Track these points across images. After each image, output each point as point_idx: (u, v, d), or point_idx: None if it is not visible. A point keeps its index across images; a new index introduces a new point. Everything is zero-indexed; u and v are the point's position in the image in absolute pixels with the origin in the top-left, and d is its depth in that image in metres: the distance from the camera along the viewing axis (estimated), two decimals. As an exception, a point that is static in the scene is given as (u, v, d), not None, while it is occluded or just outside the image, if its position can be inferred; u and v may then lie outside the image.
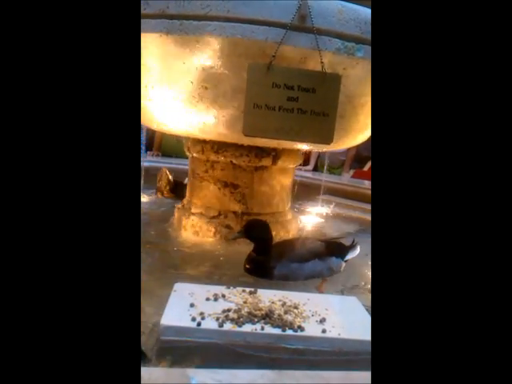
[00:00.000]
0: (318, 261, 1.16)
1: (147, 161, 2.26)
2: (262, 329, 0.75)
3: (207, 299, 0.85)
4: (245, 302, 0.84)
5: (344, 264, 1.21)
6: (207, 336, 0.73)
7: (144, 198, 1.93)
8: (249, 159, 1.34)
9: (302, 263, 1.13)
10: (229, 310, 0.80)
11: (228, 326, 0.75)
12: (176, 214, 1.50)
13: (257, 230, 1.15)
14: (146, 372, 0.49)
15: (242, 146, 1.31)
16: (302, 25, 0.97)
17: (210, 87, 1.06)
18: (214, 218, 1.39)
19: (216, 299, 0.85)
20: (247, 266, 1.13)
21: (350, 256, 1.22)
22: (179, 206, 1.52)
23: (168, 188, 1.96)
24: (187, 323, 0.75)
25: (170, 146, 2.90)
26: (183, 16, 0.96)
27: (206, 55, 1.00)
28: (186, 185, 1.99)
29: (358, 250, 1.24)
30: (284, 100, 0.97)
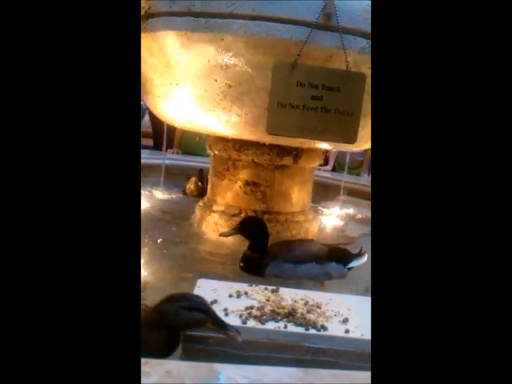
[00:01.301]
0: (315, 264, 1.13)
1: (168, 158, 2.27)
2: (285, 327, 0.75)
3: (230, 296, 0.85)
4: (267, 300, 0.84)
5: (346, 271, 1.16)
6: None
7: (165, 196, 1.95)
8: (270, 158, 1.34)
9: (296, 264, 1.11)
10: (252, 308, 0.80)
11: (251, 323, 0.75)
12: (197, 212, 1.51)
13: (252, 228, 1.14)
14: (174, 366, 0.49)
15: (263, 145, 1.31)
16: (327, 23, 0.97)
17: (233, 85, 1.06)
18: (234, 216, 1.39)
19: (239, 296, 0.85)
20: (241, 264, 1.12)
21: (354, 264, 1.18)
22: (200, 203, 1.53)
23: (196, 193, 1.99)
24: (211, 319, 0.75)
25: (190, 144, 2.91)
26: (209, 14, 0.96)
27: (231, 53, 1.00)
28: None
29: (365, 259, 1.19)
30: (308, 99, 0.97)
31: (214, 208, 1.44)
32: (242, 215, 1.39)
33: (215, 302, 0.81)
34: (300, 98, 0.96)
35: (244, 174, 1.39)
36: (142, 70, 1.22)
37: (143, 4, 1.04)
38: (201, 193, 1.96)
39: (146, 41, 1.08)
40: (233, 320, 0.75)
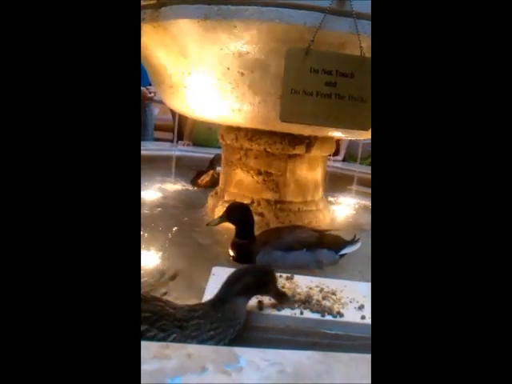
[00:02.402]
0: (305, 251, 1.10)
1: (179, 150, 2.28)
2: (302, 313, 0.75)
3: (245, 283, 0.85)
4: (282, 287, 0.84)
5: (338, 258, 1.14)
6: (247, 319, 0.73)
7: (178, 187, 1.95)
8: (282, 147, 1.33)
9: (286, 252, 1.08)
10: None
11: (268, 310, 0.75)
12: (209, 202, 1.51)
13: (238, 213, 1.12)
14: (195, 349, 0.49)
15: (275, 134, 1.30)
16: (340, 8, 0.96)
17: (246, 73, 1.06)
18: (247, 205, 1.39)
19: (254, 284, 0.85)
20: (232, 253, 1.10)
21: (347, 250, 1.14)
22: (212, 193, 1.53)
23: (209, 184, 1.99)
24: (227, 306, 0.75)
25: (201, 136, 2.91)
26: (221, 1, 0.95)
27: (244, 40, 0.99)
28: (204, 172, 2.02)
29: (358, 245, 1.15)
30: (322, 85, 0.96)
31: (226, 197, 1.44)
32: (255, 205, 1.39)
33: (231, 288, 0.81)
34: (313, 84, 0.96)
35: (256, 164, 1.39)
36: (154, 60, 1.21)
37: (155, -8, 1.03)
38: (213, 184, 1.97)
39: (159, 30, 1.07)
40: (249, 307, 0.75)
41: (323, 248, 1.12)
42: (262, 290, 0.73)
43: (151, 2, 1.04)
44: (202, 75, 1.12)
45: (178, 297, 0.91)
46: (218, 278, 0.87)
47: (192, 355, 0.48)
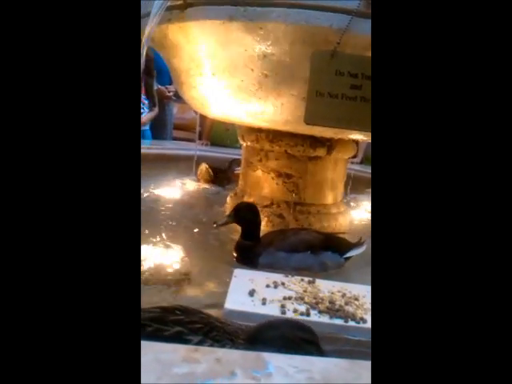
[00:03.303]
0: (309, 254, 1.08)
1: (199, 150, 2.28)
2: (319, 317, 0.75)
3: (267, 286, 0.85)
4: (304, 291, 0.84)
5: (343, 261, 1.11)
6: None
7: (197, 186, 1.96)
8: (303, 149, 1.32)
9: (290, 253, 1.06)
10: (289, 298, 0.80)
11: (290, 314, 0.75)
12: (229, 202, 1.51)
13: (246, 213, 1.10)
14: (224, 354, 0.49)
15: (296, 136, 1.30)
16: (367, 11, 0.95)
17: (270, 75, 1.06)
18: (266, 207, 1.38)
19: (276, 286, 0.85)
20: (235, 254, 1.09)
21: (352, 253, 1.11)
22: (232, 194, 1.54)
23: (208, 180, 1.99)
24: (250, 308, 0.75)
25: (219, 136, 2.92)
26: (247, 2, 0.95)
27: (269, 42, 0.99)
28: (225, 172, 2.03)
29: (363, 248, 1.12)
30: (347, 88, 0.95)
31: (246, 198, 1.44)
32: (274, 206, 1.38)
33: (254, 291, 0.81)
34: (339, 87, 0.95)
35: (276, 165, 1.38)
36: (178, 60, 1.22)
37: (181, -6, 1.04)
38: (212, 180, 1.97)
39: (183, 30, 1.08)
40: (272, 310, 0.75)
41: (328, 250, 1.10)
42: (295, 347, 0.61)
43: (177, 3, 1.04)
44: (225, 76, 1.12)
45: (196, 298, 0.91)
46: (240, 279, 0.87)
47: (221, 360, 0.48)
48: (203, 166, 2.00)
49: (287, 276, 0.91)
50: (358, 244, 1.13)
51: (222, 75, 1.12)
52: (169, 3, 1.04)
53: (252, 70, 1.06)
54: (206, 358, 0.48)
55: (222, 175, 2.02)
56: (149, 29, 0.99)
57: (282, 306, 0.76)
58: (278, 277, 0.90)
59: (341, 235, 1.21)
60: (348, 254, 1.11)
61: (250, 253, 1.07)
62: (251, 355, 0.51)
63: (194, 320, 0.61)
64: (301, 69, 1.00)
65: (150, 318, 0.60)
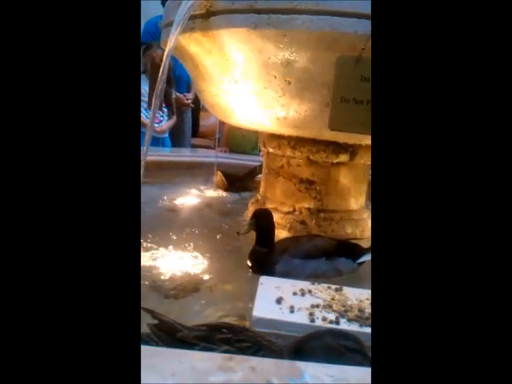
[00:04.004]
0: (323, 260, 1.07)
1: (219, 157, 2.29)
2: (348, 324, 0.74)
3: (294, 294, 0.85)
4: (332, 299, 0.83)
5: (356, 266, 1.10)
6: (299, 330, 0.73)
7: (217, 193, 1.97)
8: (326, 155, 1.32)
9: (305, 260, 1.05)
10: (317, 306, 0.79)
11: (319, 322, 0.74)
12: (250, 209, 1.51)
13: (264, 219, 1.09)
14: (258, 362, 0.49)
15: (319, 142, 1.29)
16: (392, 16, 0.94)
17: (293, 82, 1.06)
18: (288, 213, 1.38)
19: (303, 294, 0.85)
20: (250, 263, 1.07)
21: (365, 258, 1.10)
22: (253, 200, 1.54)
23: (224, 187, 1.99)
24: (278, 316, 0.75)
25: (236, 142, 2.93)
26: (271, 10, 0.95)
27: (292, 49, 0.99)
28: (242, 179, 2.02)
29: None
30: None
31: (267, 205, 1.44)
32: (296, 213, 1.38)
33: (281, 299, 0.80)
34: (364, 92, 0.94)
35: (298, 172, 1.38)
36: (201, 68, 1.23)
37: (204, 3, 1.05)
38: (227, 188, 1.97)
39: (206, 39, 1.09)
40: (300, 318, 0.75)
41: (341, 256, 1.10)
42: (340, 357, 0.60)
43: (201, 12, 1.05)
44: (248, 83, 1.12)
45: (220, 304, 0.91)
46: (266, 287, 0.87)
47: (255, 368, 0.48)
48: (218, 174, 2.01)
49: (313, 283, 0.90)
50: (370, 249, 1.12)
51: (244, 82, 1.12)
52: (192, 12, 1.05)
53: (275, 76, 1.06)
54: (240, 367, 0.47)
55: (238, 183, 2.02)
56: (173, 38, 1.00)
57: (311, 314, 0.75)
58: (305, 284, 0.89)
59: (352, 241, 1.20)
60: (361, 260, 1.11)
61: (266, 260, 1.05)
62: (285, 364, 0.50)
63: (242, 338, 0.60)
64: (325, 75, 1.00)
65: (197, 336, 0.60)
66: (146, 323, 0.63)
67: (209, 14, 1.05)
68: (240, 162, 2.34)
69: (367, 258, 1.11)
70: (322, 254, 1.08)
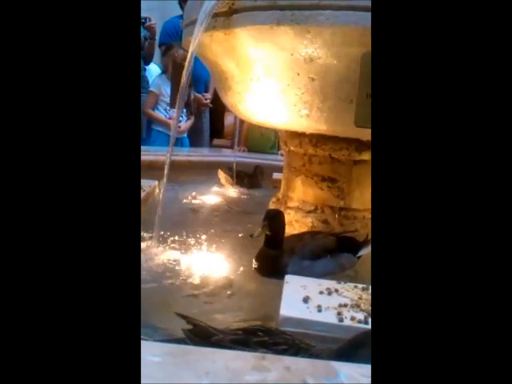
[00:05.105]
0: (329, 258, 1.07)
1: (236, 155, 2.29)
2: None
3: (321, 293, 0.83)
4: (360, 298, 0.82)
5: (356, 260, 1.10)
6: (327, 329, 0.72)
7: (238, 192, 1.96)
8: (348, 153, 1.30)
9: (313, 260, 1.04)
10: (345, 305, 0.78)
11: (348, 322, 0.73)
12: (271, 207, 1.50)
13: (277, 221, 1.07)
14: (292, 362, 0.48)
15: (341, 139, 1.27)
16: (418, 10, 0.92)
17: (317, 78, 1.04)
18: (310, 212, 1.37)
19: (329, 293, 0.84)
20: (257, 265, 1.05)
21: (362, 252, 1.10)
22: (274, 199, 1.53)
23: (230, 184, 2.02)
24: (306, 315, 0.74)
25: (254, 141, 2.93)
26: (295, 6, 0.94)
27: (316, 45, 0.98)
28: (252, 176, 2.05)
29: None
30: (398, 89, 0.93)
31: (289, 204, 1.43)
32: (318, 211, 1.36)
33: (308, 298, 0.79)
34: (390, 88, 0.92)
35: (320, 170, 1.36)
36: (223, 67, 1.23)
37: (227, 1, 1.04)
38: (235, 183, 2.00)
39: (229, 37, 1.08)
40: (329, 317, 0.73)
41: (343, 251, 1.09)
42: None
43: (223, 10, 1.05)
44: (270, 81, 1.11)
45: (245, 305, 0.91)
46: (292, 286, 0.86)
47: (290, 368, 0.47)
48: (220, 172, 2.03)
49: (339, 283, 0.89)
50: (367, 242, 1.13)
51: (267, 80, 1.12)
52: (214, 11, 1.05)
53: (298, 73, 1.05)
54: (275, 366, 0.47)
55: (248, 179, 2.05)
56: (196, 38, 1.00)
57: (339, 314, 0.74)
58: (331, 283, 0.88)
59: (348, 234, 1.20)
60: (360, 253, 1.11)
61: (276, 263, 1.04)
62: (320, 363, 0.50)
63: (278, 341, 0.60)
64: (349, 71, 0.98)
65: (233, 340, 0.59)
66: (180, 328, 0.63)
67: (231, 12, 1.04)
68: (258, 161, 2.34)
69: (366, 250, 1.11)
70: (327, 252, 1.08)
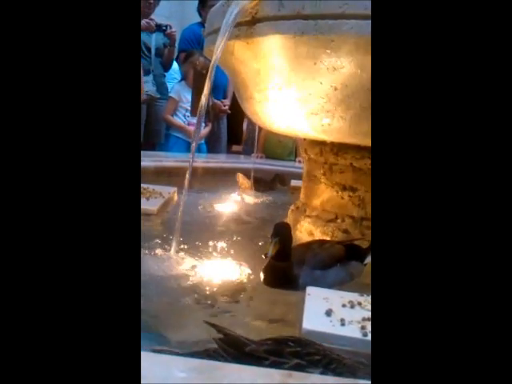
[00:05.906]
0: (339, 267, 1.04)
1: (252, 162, 2.29)
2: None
3: (343, 306, 0.82)
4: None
5: (363, 268, 1.08)
6: (351, 344, 0.71)
7: (255, 200, 1.96)
8: (370, 162, 1.28)
9: (324, 270, 1.02)
10: (369, 319, 0.77)
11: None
12: (290, 216, 1.50)
13: (286, 234, 1.05)
14: (319, 379, 0.47)
15: (363, 148, 1.26)
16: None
17: (339, 87, 1.04)
18: (330, 221, 1.35)
19: (352, 306, 0.82)
20: (265, 277, 1.02)
21: (369, 259, 1.08)
22: (293, 207, 1.52)
23: (250, 187, 2.05)
24: (329, 329, 0.73)
25: (272, 148, 2.92)
26: (319, 16, 0.94)
27: (340, 54, 0.98)
28: (269, 183, 2.07)
29: None
30: (423, 99, 0.91)
31: (308, 213, 1.42)
32: (339, 221, 1.35)
33: (331, 311, 0.78)
34: (415, 98, 0.91)
35: (341, 179, 1.35)
36: (244, 76, 1.23)
37: (250, 10, 1.04)
38: (254, 188, 2.03)
39: (252, 46, 1.08)
40: (352, 331, 0.72)
41: (351, 260, 1.08)
42: None
43: (246, 19, 1.05)
44: (292, 90, 1.11)
45: (263, 314, 0.90)
46: (314, 298, 0.85)
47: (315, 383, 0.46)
48: (239, 176, 2.06)
49: (362, 295, 0.88)
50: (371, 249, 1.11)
51: (289, 89, 1.11)
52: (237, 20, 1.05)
53: (321, 83, 1.05)
54: (302, 384, 0.46)
55: (264, 185, 2.07)
56: (220, 47, 1.00)
57: (363, 328, 0.73)
58: (353, 296, 0.86)
59: (353, 242, 1.18)
60: (367, 260, 1.09)
61: (286, 275, 1.01)
62: (347, 382, 0.49)
63: (311, 352, 0.59)
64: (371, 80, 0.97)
65: (267, 350, 0.58)
66: (212, 338, 0.62)
67: (254, 22, 1.05)
68: (277, 168, 2.33)
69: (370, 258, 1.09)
70: (336, 261, 1.06)
